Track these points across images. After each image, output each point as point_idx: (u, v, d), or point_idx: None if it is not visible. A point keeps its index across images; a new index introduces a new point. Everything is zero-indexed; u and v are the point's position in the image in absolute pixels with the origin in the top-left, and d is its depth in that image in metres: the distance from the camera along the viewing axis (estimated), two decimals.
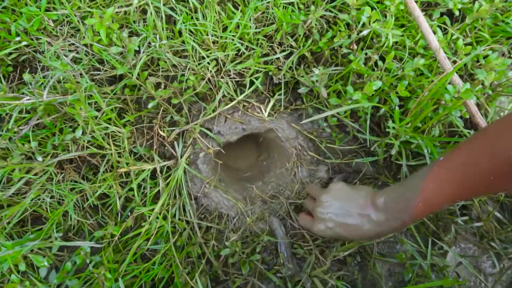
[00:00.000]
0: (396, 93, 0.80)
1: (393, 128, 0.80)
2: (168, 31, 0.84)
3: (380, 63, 0.83)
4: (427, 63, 0.84)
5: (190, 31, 0.83)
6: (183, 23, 0.81)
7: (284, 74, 0.87)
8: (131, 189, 0.85)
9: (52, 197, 0.81)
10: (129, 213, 0.85)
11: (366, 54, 0.84)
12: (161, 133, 0.87)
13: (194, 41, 0.82)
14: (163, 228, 0.82)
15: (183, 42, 0.82)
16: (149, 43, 0.80)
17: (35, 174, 0.80)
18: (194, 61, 0.83)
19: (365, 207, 0.70)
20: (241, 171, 1.03)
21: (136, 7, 0.83)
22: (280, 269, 0.83)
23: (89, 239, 0.82)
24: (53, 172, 0.81)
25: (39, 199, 0.81)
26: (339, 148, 0.92)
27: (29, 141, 0.77)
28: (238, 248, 0.81)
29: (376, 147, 0.88)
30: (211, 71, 0.84)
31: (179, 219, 0.85)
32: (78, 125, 0.82)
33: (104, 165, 0.85)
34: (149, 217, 0.82)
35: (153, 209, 0.82)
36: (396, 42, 0.87)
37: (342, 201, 0.73)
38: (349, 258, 0.88)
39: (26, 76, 0.80)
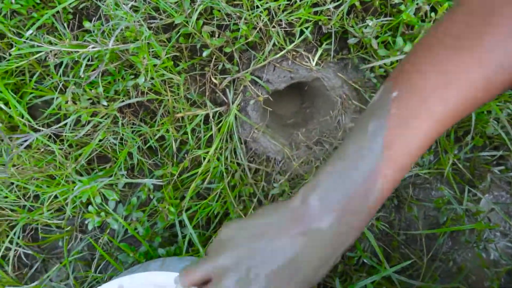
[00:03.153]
0: None
1: None
2: None
3: (431, 14, 0.84)
4: None
5: None
6: None
7: (333, 24, 0.89)
8: (186, 133, 0.92)
9: (116, 138, 0.88)
10: (185, 155, 0.92)
11: (417, 4, 0.85)
12: (214, 80, 0.91)
13: None
14: (216, 169, 0.89)
15: None
16: None
17: (101, 118, 0.87)
18: (248, 10, 0.86)
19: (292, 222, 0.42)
20: (286, 118, 1.08)
21: None
22: None
23: (149, 178, 0.89)
24: (117, 116, 0.88)
25: (105, 140, 0.88)
26: None
27: (96, 87, 0.83)
28: (286, 188, 0.88)
29: None
30: (263, 20, 0.87)
31: (231, 162, 0.91)
32: (138, 72, 0.87)
33: (161, 110, 0.91)
34: (204, 158, 0.89)
35: (207, 152, 0.89)
36: None
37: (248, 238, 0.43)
38: (387, 201, 0.94)
39: (88, 24, 0.85)
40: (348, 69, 0.96)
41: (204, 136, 0.91)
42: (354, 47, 0.93)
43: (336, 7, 0.90)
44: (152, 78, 0.85)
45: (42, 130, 0.84)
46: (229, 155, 0.91)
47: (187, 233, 0.83)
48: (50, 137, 0.87)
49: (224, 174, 0.89)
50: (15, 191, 0.87)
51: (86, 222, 0.84)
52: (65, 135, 0.86)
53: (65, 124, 0.85)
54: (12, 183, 0.87)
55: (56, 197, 0.85)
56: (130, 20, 0.79)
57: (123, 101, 0.85)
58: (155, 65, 0.84)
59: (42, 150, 0.86)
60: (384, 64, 0.88)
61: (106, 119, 0.88)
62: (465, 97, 0.38)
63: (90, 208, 0.81)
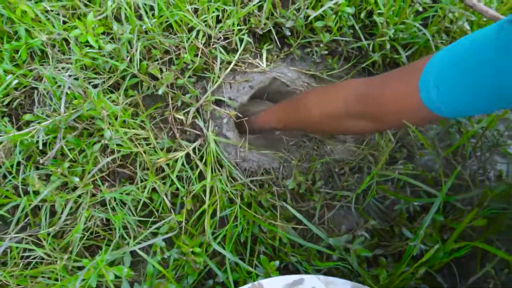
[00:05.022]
0: None
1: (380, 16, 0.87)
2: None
3: None
4: None
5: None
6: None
7: (264, 24, 0.92)
8: (173, 183, 0.83)
9: (102, 211, 0.77)
10: (183, 199, 0.81)
11: None
12: (178, 116, 0.87)
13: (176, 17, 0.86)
14: (222, 198, 0.80)
15: (167, 19, 0.85)
16: (138, 33, 0.82)
17: (79, 197, 0.76)
18: (183, 39, 0.86)
19: None
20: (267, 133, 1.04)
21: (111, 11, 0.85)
22: None
23: (161, 234, 0.77)
24: (91, 192, 0.77)
25: (91, 222, 0.76)
26: (339, 71, 0.98)
27: (60, 165, 0.74)
28: (301, 178, 0.81)
29: (371, 50, 0.94)
30: (201, 42, 0.87)
31: (232, 186, 0.83)
32: (101, 137, 0.80)
33: (139, 167, 0.82)
34: (204, 193, 0.80)
35: (204, 186, 0.80)
36: None
37: None
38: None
39: (29, 116, 0.78)
40: (296, 62, 0.98)
41: (193, 175, 0.83)
42: (292, 39, 0.96)
43: (260, 9, 0.94)
44: (117, 131, 0.78)
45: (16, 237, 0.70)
46: (227, 181, 0.83)
47: (226, 261, 0.70)
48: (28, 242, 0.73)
49: (233, 197, 0.80)
50: None
51: None
52: (43, 233, 0.72)
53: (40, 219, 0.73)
54: None
55: None
56: (76, 84, 0.74)
57: (98, 172, 0.76)
58: (116, 118, 0.78)
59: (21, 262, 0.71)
60: (322, 39, 0.92)
61: (83, 198, 0.77)
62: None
63: None
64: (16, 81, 0.79)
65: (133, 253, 0.77)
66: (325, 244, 0.74)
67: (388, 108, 0.60)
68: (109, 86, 0.85)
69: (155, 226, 0.77)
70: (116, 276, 0.70)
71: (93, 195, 0.78)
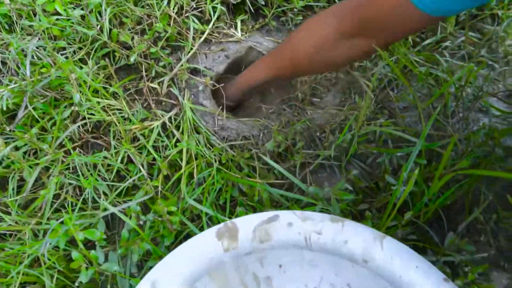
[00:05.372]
0: None
1: None
2: None
3: None
4: None
5: None
6: None
7: None
8: (149, 153, 0.80)
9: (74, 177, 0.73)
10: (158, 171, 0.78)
11: None
12: (153, 85, 0.84)
13: None
14: (200, 160, 0.77)
15: None
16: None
17: (50, 165, 0.73)
18: (154, 4, 0.85)
19: None
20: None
21: None
22: None
23: (136, 198, 0.73)
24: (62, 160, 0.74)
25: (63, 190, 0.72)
26: None
27: (28, 130, 0.71)
28: (280, 137, 0.78)
29: None
30: (173, 10, 0.86)
31: (211, 150, 0.80)
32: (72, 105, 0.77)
33: (113, 137, 0.79)
34: (181, 160, 0.77)
35: (181, 151, 0.77)
36: None
37: None
38: None
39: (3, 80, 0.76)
40: (272, 32, 0.98)
41: (170, 143, 0.80)
42: (268, 10, 0.96)
43: None
44: (89, 100, 0.76)
45: None
46: (205, 147, 0.81)
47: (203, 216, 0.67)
48: None
49: (211, 161, 0.77)
50: None
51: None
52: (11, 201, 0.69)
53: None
54: None
55: None
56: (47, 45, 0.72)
57: (70, 142, 0.73)
58: (88, 86, 0.76)
59: None
60: (296, 5, 0.91)
61: (54, 166, 0.73)
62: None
63: (74, 254, 0.61)
64: None
65: (107, 225, 0.73)
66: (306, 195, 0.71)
67: (381, 13, 0.59)
68: (80, 59, 0.84)
69: (132, 193, 0.73)
70: (89, 247, 0.66)
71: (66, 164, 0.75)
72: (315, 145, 0.86)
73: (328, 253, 0.53)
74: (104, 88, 0.81)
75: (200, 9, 0.90)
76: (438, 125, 0.82)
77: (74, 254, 0.61)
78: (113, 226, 0.75)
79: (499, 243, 0.74)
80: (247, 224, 0.53)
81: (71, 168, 0.74)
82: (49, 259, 0.62)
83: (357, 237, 0.51)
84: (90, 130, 0.79)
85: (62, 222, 0.64)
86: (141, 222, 0.70)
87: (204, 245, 0.52)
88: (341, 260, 0.54)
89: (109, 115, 0.79)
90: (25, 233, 0.65)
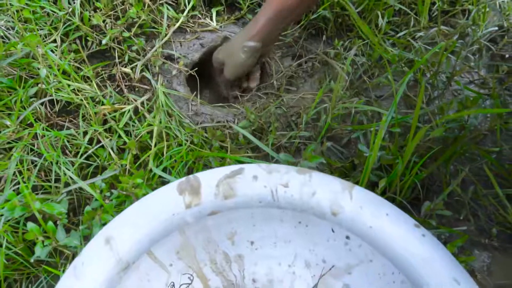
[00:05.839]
0: None
1: None
2: None
3: None
4: None
5: None
6: None
7: None
8: (120, 138, 0.78)
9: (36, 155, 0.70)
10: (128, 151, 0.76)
11: None
12: (126, 70, 0.83)
13: None
14: (170, 142, 0.74)
15: None
16: None
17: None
18: None
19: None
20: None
21: None
22: None
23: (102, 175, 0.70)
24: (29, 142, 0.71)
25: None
26: (291, 31, 0.98)
27: None
28: (253, 115, 0.77)
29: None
30: None
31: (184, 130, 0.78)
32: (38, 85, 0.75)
33: (82, 119, 0.77)
34: (151, 140, 0.75)
35: (151, 131, 0.75)
36: None
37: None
38: None
39: None
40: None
41: (142, 127, 0.78)
42: (243, 2, 0.97)
43: None
44: (59, 82, 0.74)
45: None
46: (176, 130, 0.79)
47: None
48: None
49: (182, 142, 0.75)
50: None
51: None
52: None
53: None
54: None
55: None
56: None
57: (37, 122, 0.70)
58: (57, 67, 0.74)
59: None
60: None
61: (17, 144, 0.70)
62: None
63: (30, 225, 0.57)
64: None
65: (74, 211, 0.70)
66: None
67: None
68: (52, 42, 0.82)
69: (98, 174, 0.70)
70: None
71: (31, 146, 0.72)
72: (290, 129, 0.84)
73: (296, 209, 0.50)
74: (75, 72, 0.80)
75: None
76: (411, 103, 0.81)
77: (30, 224, 0.57)
78: (79, 212, 0.71)
79: (480, 222, 0.72)
80: (210, 178, 0.50)
81: (35, 147, 0.72)
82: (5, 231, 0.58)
83: (325, 188, 0.49)
84: (57, 111, 0.77)
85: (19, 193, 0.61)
86: (107, 201, 0.67)
87: (164, 199, 0.49)
88: (310, 217, 0.51)
89: (79, 98, 0.77)
90: None
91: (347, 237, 0.54)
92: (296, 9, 0.76)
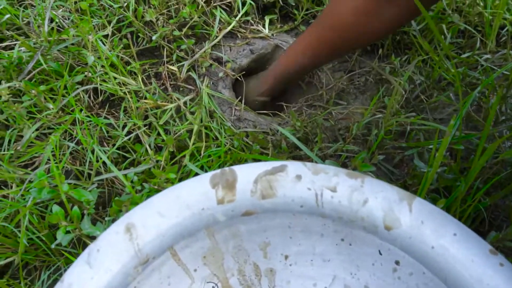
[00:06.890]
0: None
1: None
2: None
3: None
4: None
5: None
6: None
7: None
8: (159, 134, 0.75)
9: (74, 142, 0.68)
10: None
11: None
12: (172, 68, 0.82)
13: None
14: (209, 143, 0.71)
15: None
16: None
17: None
18: None
19: None
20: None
21: None
22: None
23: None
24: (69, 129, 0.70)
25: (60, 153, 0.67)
26: None
27: (36, 86, 0.68)
28: (298, 123, 0.72)
29: None
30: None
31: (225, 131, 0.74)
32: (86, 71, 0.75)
33: (123, 112, 0.75)
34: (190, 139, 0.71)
35: (191, 130, 0.72)
36: None
37: None
38: None
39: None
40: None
41: (182, 125, 0.75)
42: (298, 12, 0.94)
43: None
44: (106, 74, 0.73)
45: None
46: (217, 132, 0.75)
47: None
48: None
49: (221, 144, 0.71)
50: None
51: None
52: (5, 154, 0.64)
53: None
54: None
55: None
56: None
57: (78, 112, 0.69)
58: (106, 59, 0.74)
59: None
60: None
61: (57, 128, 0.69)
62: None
63: (55, 207, 0.54)
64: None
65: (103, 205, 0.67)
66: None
67: None
68: (105, 36, 0.83)
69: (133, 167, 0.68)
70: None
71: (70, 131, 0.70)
72: (337, 143, 0.79)
73: (342, 218, 0.44)
74: (123, 67, 0.79)
75: (229, 0, 0.89)
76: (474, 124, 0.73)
77: (55, 207, 0.54)
78: (108, 206, 0.69)
79: None
80: (248, 173, 0.45)
81: (74, 132, 0.70)
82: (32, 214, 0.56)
83: (380, 196, 0.42)
84: (100, 102, 0.76)
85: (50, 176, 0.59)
86: (137, 194, 0.64)
87: (195, 191, 0.44)
88: (356, 233, 0.45)
89: (125, 93, 0.75)
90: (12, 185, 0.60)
91: (397, 262, 0.46)
92: (307, 67, 0.77)
